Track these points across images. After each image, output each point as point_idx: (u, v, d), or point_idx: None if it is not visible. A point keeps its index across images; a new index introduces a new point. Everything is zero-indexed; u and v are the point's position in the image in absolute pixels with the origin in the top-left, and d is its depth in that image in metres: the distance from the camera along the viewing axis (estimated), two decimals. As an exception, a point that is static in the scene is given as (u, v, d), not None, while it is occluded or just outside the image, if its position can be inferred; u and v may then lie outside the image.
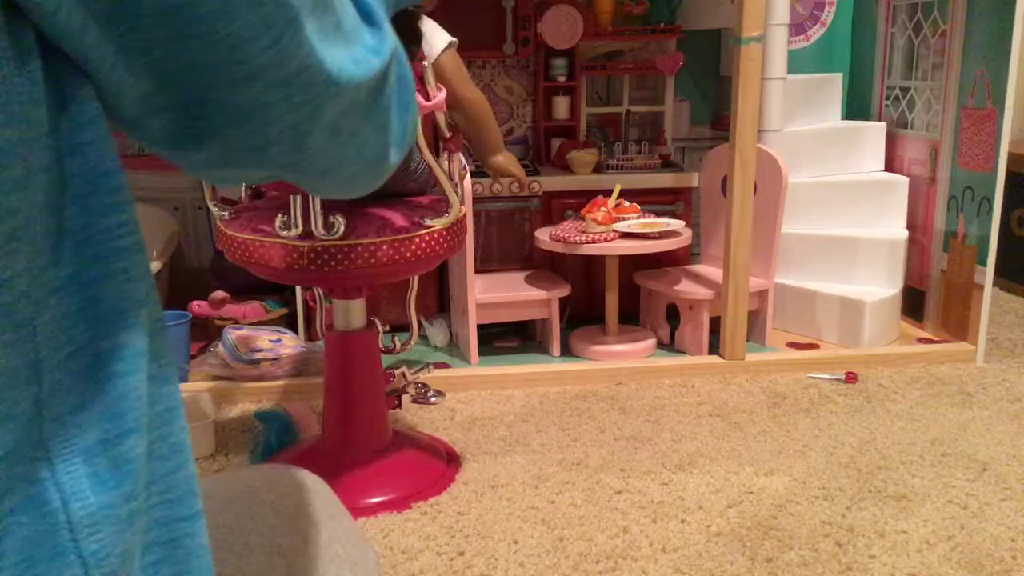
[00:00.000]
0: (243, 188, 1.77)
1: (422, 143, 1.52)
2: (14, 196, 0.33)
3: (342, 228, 1.52)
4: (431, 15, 1.70)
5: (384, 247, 1.54)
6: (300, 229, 1.53)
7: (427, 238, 1.58)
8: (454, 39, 1.69)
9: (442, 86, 1.52)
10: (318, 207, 1.51)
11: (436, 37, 1.67)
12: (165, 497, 0.40)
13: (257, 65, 0.37)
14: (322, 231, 1.52)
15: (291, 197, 1.53)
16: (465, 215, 1.70)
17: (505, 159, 1.87)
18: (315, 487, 0.65)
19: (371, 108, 0.45)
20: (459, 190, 1.64)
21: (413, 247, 1.56)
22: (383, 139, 0.48)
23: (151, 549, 0.39)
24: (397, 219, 1.58)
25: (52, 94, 0.35)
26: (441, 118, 1.60)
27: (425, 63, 1.47)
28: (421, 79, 1.44)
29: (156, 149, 0.42)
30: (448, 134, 1.62)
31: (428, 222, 1.59)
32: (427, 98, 1.41)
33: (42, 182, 0.34)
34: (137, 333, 0.38)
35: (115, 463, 0.37)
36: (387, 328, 2.01)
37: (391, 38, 0.46)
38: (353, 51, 0.42)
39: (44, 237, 0.35)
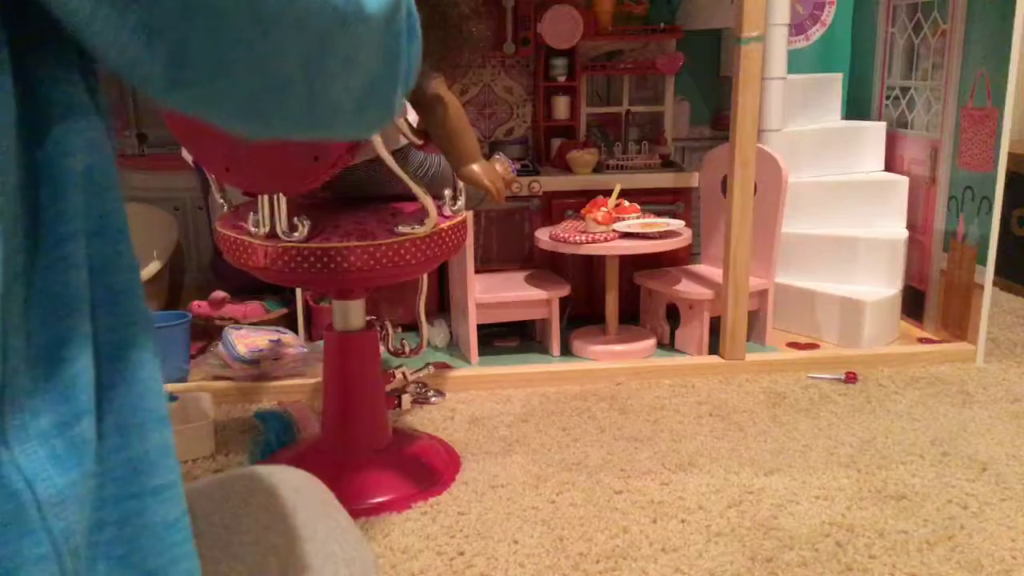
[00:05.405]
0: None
1: (385, 155, 1.47)
2: None
3: (306, 231, 1.49)
4: None
5: (345, 252, 1.51)
6: (267, 229, 1.52)
7: (395, 246, 1.53)
8: None
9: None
10: (283, 208, 1.49)
11: None
12: (114, 475, 0.40)
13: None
14: (286, 232, 1.50)
15: (258, 197, 1.52)
16: (453, 228, 1.63)
17: (481, 169, 1.56)
18: (309, 486, 0.65)
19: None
20: (452, 204, 1.61)
21: (379, 255, 1.52)
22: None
23: (103, 528, 0.40)
24: (367, 225, 1.54)
25: (23, 99, 0.36)
26: (403, 124, 1.49)
27: None
28: None
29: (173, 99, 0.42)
30: (419, 141, 1.52)
31: (400, 230, 1.54)
32: None
33: (12, 171, 0.36)
34: (82, 317, 0.39)
35: (72, 443, 0.38)
36: (399, 330, 2.00)
37: None
38: None
39: (14, 223, 0.36)
